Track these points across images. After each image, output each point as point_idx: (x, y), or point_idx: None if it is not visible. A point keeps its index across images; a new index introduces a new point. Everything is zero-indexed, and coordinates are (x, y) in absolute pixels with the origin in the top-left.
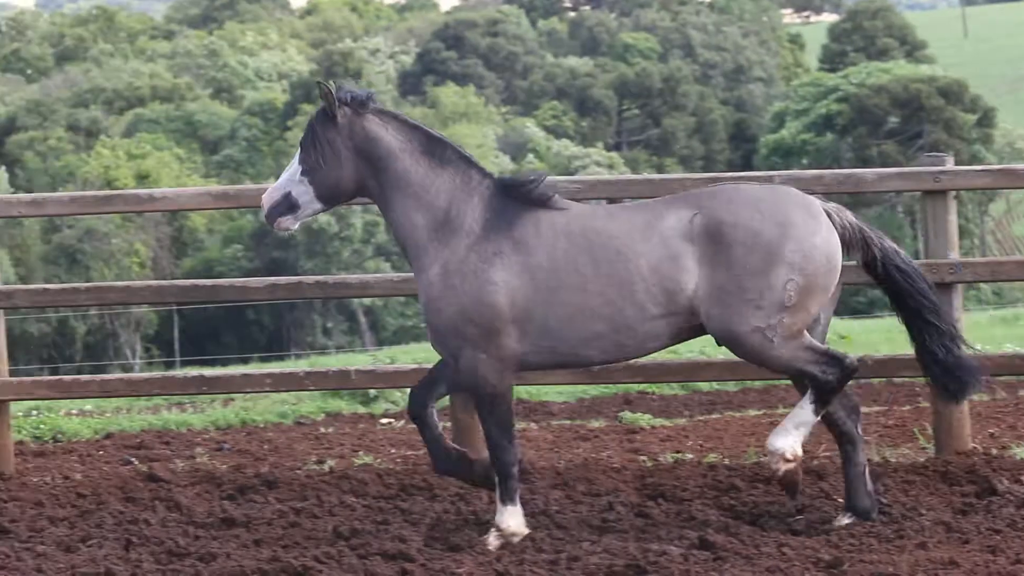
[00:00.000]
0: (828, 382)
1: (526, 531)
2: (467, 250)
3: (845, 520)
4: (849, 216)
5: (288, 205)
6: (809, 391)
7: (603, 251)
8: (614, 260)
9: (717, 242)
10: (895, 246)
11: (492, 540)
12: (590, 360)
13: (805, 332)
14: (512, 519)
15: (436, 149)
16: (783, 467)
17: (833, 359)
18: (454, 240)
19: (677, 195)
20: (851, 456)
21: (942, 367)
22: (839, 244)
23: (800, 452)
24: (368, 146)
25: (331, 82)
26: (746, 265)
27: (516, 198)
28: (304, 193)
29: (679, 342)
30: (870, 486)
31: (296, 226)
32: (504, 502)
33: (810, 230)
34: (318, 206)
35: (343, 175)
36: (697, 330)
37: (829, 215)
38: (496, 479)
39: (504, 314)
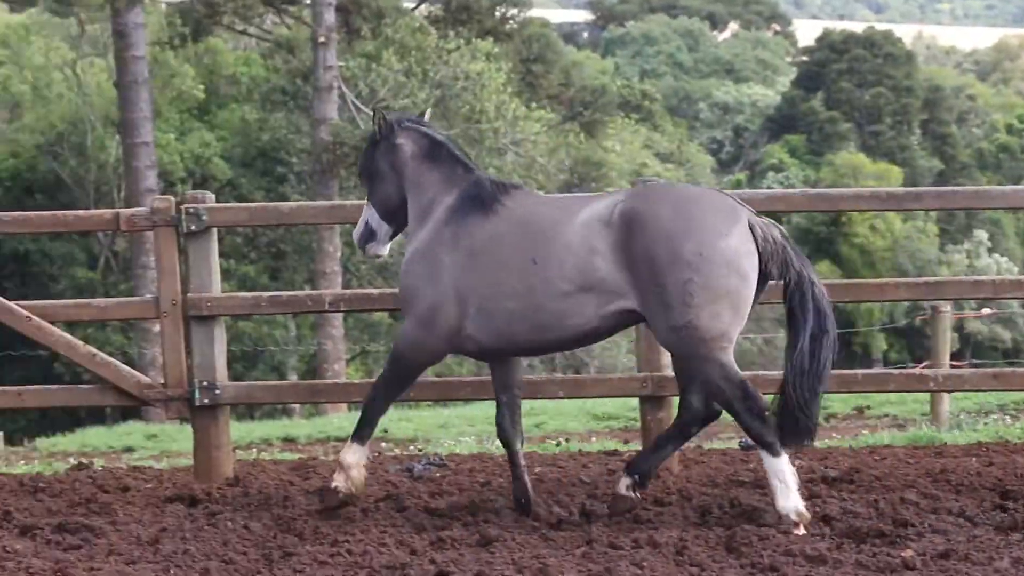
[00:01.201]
0: (749, 423)
1: (364, 466)
2: (431, 233)
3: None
4: (775, 233)
5: (369, 233)
6: (757, 442)
7: (531, 233)
8: (537, 241)
9: (629, 231)
10: (815, 278)
11: (336, 477)
12: (519, 340)
13: (727, 349)
14: (352, 455)
15: (435, 150)
16: (798, 531)
17: (747, 394)
18: (427, 225)
19: (623, 189)
20: (666, 442)
21: (788, 415)
22: (752, 255)
23: (802, 510)
24: (395, 158)
25: (378, 110)
26: (652, 260)
27: (483, 189)
28: (373, 217)
29: (621, 327)
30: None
31: (385, 250)
32: (352, 440)
33: (717, 233)
34: (387, 227)
35: (389, 191)
36: (637, 316)
37: (752, 227)
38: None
39: (447, 294)
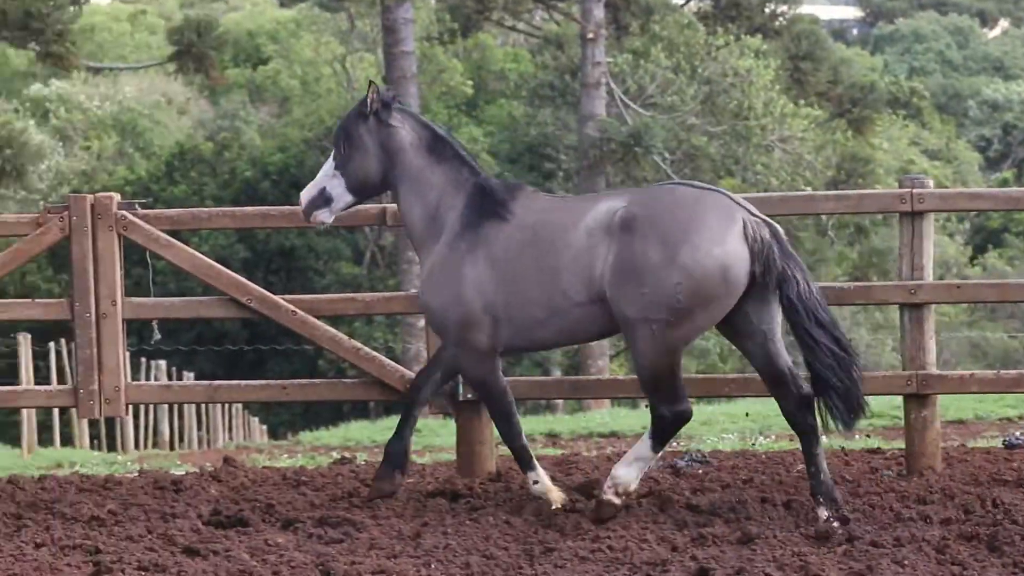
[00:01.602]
0: (663, 417)
1: (552, 487)
2: (447, 246)
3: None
4: (765, 233)
5: (324, 199)
6: (650, 426)
7: (542, 242)
8: (548, 250)
9: (628, 232)
10: (799, 276)
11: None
12: (545, 343)
13: (679, 351)
14: (535, 486)
15: (438, 146)
16: (610, 498)
17: (678, 395)
18: (442, 238)
19: (623, 189)
20: (809, 448)
21: (832, 393)
22: (745, 260)
23: (633, 488)
24: (388, 140)
25: (374, 82)
26: (645, 256)
27: (491, 193)
28: (337, 186)
29: None
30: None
31: (331, 219)
32: (526, 471)
33: (714, 239)
34: (349, 198)
35: (370, 168)
36: None
37: (746, 227)
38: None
39: (475, 308)
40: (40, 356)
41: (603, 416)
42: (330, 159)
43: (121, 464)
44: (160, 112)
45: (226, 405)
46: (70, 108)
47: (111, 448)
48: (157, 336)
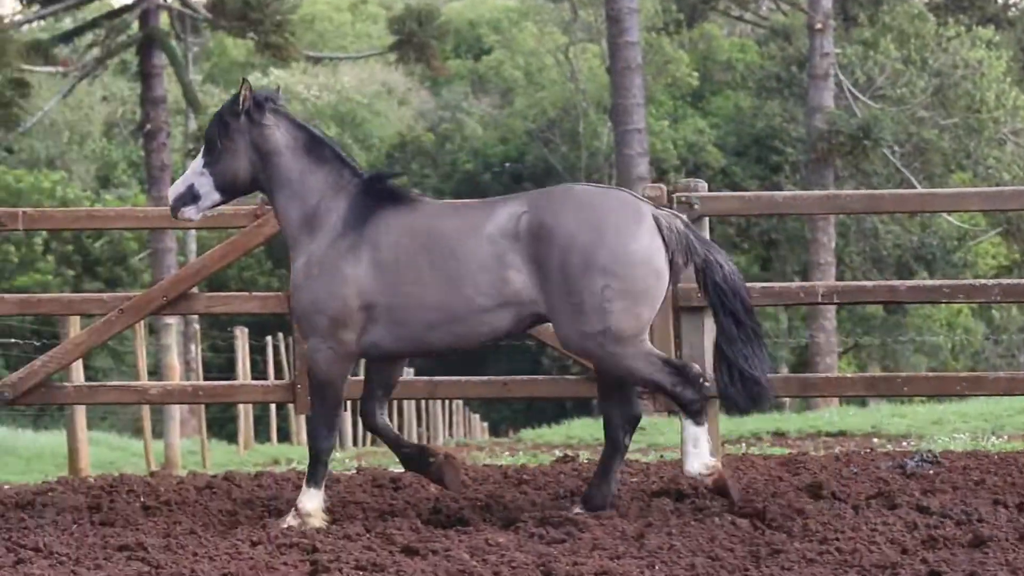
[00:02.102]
0: (680, 394)
1: (321, 516)
2: (327, 245)
3: (576, 510)
4: (679, 223)
5: (191, 196)
6: (681, 412)
7: (439, 248)
8: (447, 257)
9: (539, 241)
10: (721, 260)
11: (289, 519)
12: (433, 346)
13: (645, 340)
14: (311, 502)
15: (316, 148)
16: (709, 480)
17: (676, 368)
18: (319, 235)
19: (519, 193)
20: (609, 460)
21: (734, 381)
22: (661, 250)
23: (712, 461)
24: (261, 141)
25: (247, 80)
26: (564, 269)
27: (376, 196)
28: (205, 184)
29: (531, 327)
30: (613, 489)
31: (198, 216)
32: (308, 484)
33: (628, 235)
34: (217, 197)
35: (239, 167)
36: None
37: (657, 220)
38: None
39: (351, 306)
40: (257, 351)
41: (831, 415)
42: (200, 155)
43: (339, 461)
44: (380, 102)
45: (447, 401)
46: (289, 98)
47: None
48: None
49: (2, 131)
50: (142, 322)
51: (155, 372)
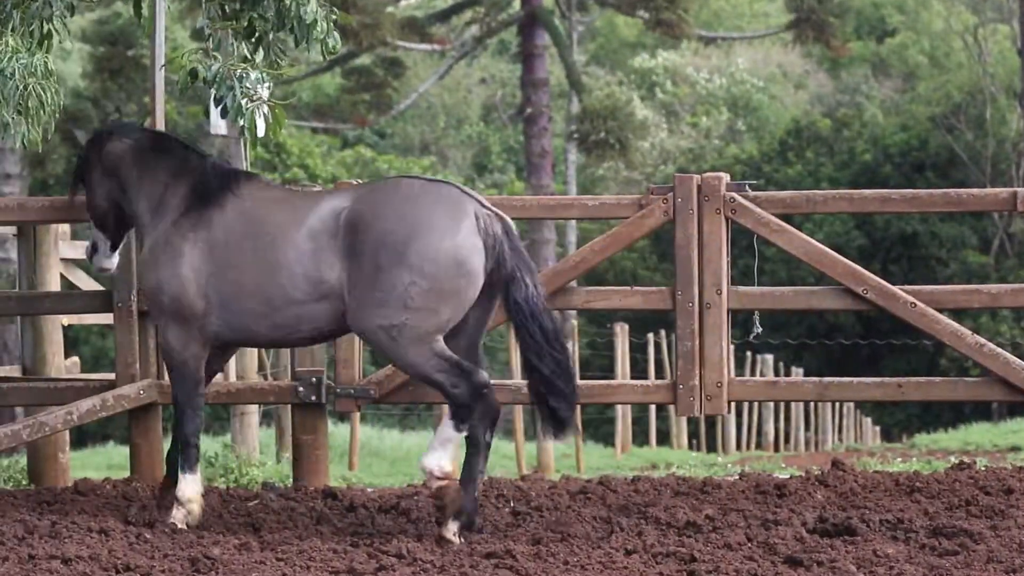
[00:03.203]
0: (456, 396)
1: (201, 499)
2: (171, 225)
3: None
4: (498, 228)
5: (94, 247)
6: (447, 408)
7: (263, 235)
8: (269, 245)
9: (355, 234)
10: (528, 279)
11: (174, 512)
12: (260, 337)
13: (438, 339)
14: (189, 488)
15: (159, 142)
16: (435, 484)
17: (462, 372)
18: (164, 219)
19: (351, 186)
20: (470, 460)
21: (544, 402)
22: (479, 251)
23: (448, 468)
24: (109, 162)
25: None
26: (375, 261)
27: (220, 178)
28: (96, 231)
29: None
30: (476, 493)
31: (110, 263)
32: (184, 470)
33: (443, 234)
34: (102, 235)
35: (97, 197)
36: None
37: (477, 220)
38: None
39: (189, 288)
40: (637, 348)
41: None
42: None
43: (721, 466)
44: (775, 86)
45: (836, 404)
46: (677, 81)
47: (711, 449)
48: (758, 329)
49: (374, 113)
50: None
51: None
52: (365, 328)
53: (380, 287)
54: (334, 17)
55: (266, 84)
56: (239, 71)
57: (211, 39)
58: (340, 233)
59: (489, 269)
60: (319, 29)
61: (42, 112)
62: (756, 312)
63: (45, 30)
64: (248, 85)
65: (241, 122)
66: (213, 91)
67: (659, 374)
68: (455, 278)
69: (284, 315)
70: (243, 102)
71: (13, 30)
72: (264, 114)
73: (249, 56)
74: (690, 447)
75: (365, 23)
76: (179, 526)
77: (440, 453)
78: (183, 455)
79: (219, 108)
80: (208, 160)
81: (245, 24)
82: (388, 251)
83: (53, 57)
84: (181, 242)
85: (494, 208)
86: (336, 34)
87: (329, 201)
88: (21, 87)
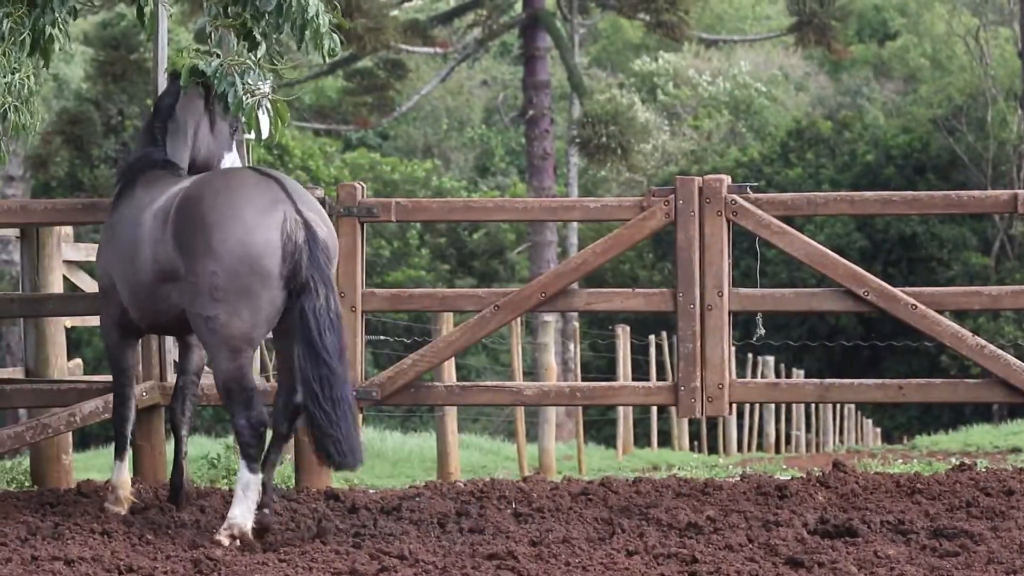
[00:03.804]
0: (238, 429)
1: (129, 488)
2: (115, 211)
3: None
4: (300, 235)
5: None
6: (236, 446)
7: (130, 218)
8: (129, 227)
9: (181, 219)
10: (322, 292)
11: (108, 500)
12: (142, 324)
13: (246, 353)
14: (118, 475)
15: (144, 134)
16: (224, 539)
17: (249, 404)
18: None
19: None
20: (267, 450)
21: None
22: (274, 252)
23: (248, 524)
24: None
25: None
26: (192, 246)
27: (139, 166)
28: None
29: None
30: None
31: None
32: (114, 458)
33: (244, 228)
34: None
35: None
36: None
37: (284, 222)
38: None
39: (105, 274)
40: (639, 350)
41: None
42: None
43: (722, 468)
44: (776, 88)
45: (837, 406)
46: (679, 83)
47: (712, 450)
48: (761, 331)
49: (376, 116)
50: (519, 319)
51: (531, 372)
52: (191, 315)
53: (194, 273)
54: (335, 21)
55: (268, 81)
56: (240, 67)
57: (212, 36)
58: (171, 218)
59: (286, 275)
60: (320, 24)
61: (22, 130)
62: (759, 314)
63: (47, 36)
64: (250, 81)
65: (243, 118)
66: (215, 87)
67: (660, 376)
68: (248, 275)
69: (145, 298)
70: (244, 97)
71: (2, 39)
72: (267, 109)
73: (251, 57)
74: (691, 448)
75: (368, 27)
76: (112, 510)
77: (244, 506)
78: (117, 445)
79: (221, 103)
80: (148, 149)
81: (246, 24)
82: (200, 237)
83: (55, 63)
84: (105, 230)
85: (313, 216)
86: (336, 36)
87: (174, 187)
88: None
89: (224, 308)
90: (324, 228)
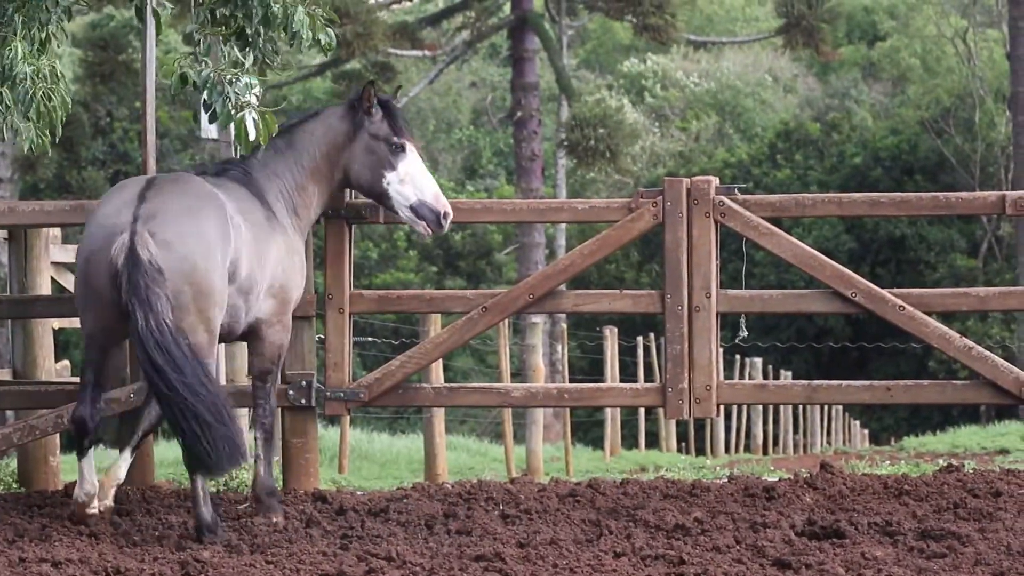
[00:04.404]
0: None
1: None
2: None
3: None
4: (121, 258)
5: None
6: None
7: None
8: None
9: None
10: (141, 314)
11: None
12: None
13: (88, 340)
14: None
15: None
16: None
17: (80, 395)
18: None
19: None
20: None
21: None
22: (94, 261)
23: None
24: None
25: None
26: None
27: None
28: None
29: None
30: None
31: None
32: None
33: (87, 237)
34: None
35: None
36: None
37: (114, 242)
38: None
39: None
40: (626, 351)
41: None
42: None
43: (709, 469)
44: (764, 90)
45: (825, 407)
46: (667, 85)
47: (699, 452)
48: (744, 333)
49: None
50: (506, 321)
51: (518, 373)
52: None
53: None
54: (327, 17)
55: (255, 90)
56: (229, 76)
57: (200, 44)
58: None
59: (115, 296)
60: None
61: (54, 115)
62: (743, 316)
63: (44, 34)
64: (238, 91)
65: (231, 128)
66: (204, 96)
67: (648, 377)
68: (79, 283)
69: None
70: (232, 110)
71: (15, 34)
72: (254, 119)
73: (240, 60)
74: (679, 450)
75: (357, 32)
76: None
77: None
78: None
79: (208, 113)
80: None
81: (234, 28)
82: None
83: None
84: None
85: (147, 237)
86: (330, 31)
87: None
88: (31, 92)
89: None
90: (150, 250)
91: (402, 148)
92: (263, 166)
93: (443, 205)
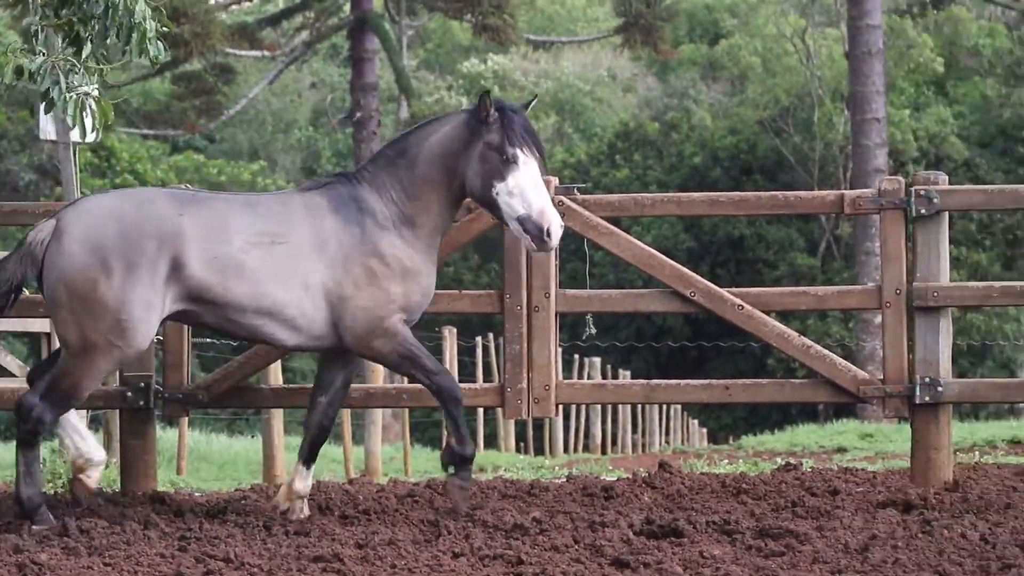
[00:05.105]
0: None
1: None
2: None
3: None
4: (43, 236)
5: None
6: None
7: None
8: None
9: None
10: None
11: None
12: None
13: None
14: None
15: None
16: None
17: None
18: None
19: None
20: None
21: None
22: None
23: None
24: None
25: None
26: None
27: None
28: None
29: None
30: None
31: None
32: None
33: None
34: None
35: None
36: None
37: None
38: None
39: None
40: (465, 352)
41: None
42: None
43: (548, 469)
44: (603, 89)
45: (664, 406)
46: (505, 85)
47: (538, 451)
48: (591, 331)
49: (204, 119)
50: None
51: (357, 374)
52: None
53: None
54: (164, 29)
55: (94, 85)
56: (67, 65)
57: (37, 36)
58: None
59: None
60: (147, 29)
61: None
62: (589, 314)
63: None
64: (75, 81)
65: (68, 118)
66: (40, 85)
67: (487, 377)
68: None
69: None
70: (68, 96)
71: None
72: (90, 107)
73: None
74: (518, 450)
75: (195, 32)
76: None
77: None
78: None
79: (45, 101)
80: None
81: (73, 26)
82: None
83: None
84: None
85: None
86: (161, 44)
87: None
88: None
89: None
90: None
91: (514, 159)
92: (373, 177)
93: (547, 221)
